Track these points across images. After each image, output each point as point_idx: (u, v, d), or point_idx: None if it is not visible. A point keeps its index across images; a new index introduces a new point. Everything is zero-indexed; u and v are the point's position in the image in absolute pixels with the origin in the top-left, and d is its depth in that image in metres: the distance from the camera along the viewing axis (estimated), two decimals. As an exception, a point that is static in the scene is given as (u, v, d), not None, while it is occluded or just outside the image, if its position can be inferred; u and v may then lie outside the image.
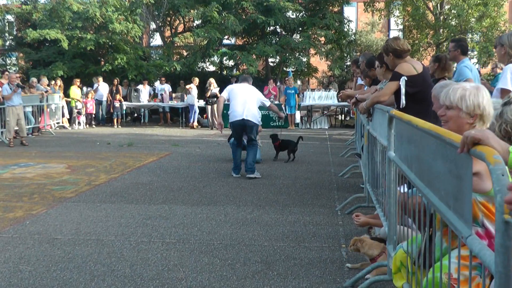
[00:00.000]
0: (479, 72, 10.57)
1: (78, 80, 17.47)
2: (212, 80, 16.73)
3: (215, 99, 16.07)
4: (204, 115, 17.60)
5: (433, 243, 2.31)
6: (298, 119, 16.81)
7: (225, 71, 23.16)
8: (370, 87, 6.19)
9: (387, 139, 3.78)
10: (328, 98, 17.13)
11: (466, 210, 1.64)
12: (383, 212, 3.90)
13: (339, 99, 16.25)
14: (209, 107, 16.38)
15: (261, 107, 8.16)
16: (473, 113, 2.36)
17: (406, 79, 4.28)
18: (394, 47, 4.47)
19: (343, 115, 18.24)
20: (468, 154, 1.62)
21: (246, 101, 7.47)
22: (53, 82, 16.97)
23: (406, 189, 2.98)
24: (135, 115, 19.55)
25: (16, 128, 11.82)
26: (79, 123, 16.95)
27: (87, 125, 17.24)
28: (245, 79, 7.92)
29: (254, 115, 7.49)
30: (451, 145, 1.78)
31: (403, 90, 4.26)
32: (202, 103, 17.42)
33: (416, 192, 3.08)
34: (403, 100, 4.27)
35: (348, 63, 22.64)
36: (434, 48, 20.69)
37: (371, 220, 4.09)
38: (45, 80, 16.13)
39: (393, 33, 25.41)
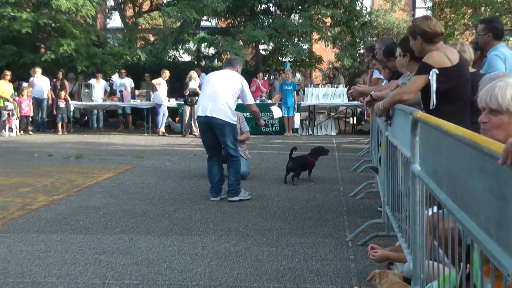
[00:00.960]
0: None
1: (9, 72, 17.20)
2: (193, 73, 16.73)
3: (196, 97, 16.05)
4: (177, 118, 17.62)
5: (471, 283, 2.31)
6: (297, 123, 16.84)
7: (203, 62, 23.21)
8: (389, 82, 6.23)
9: (410, 149, 3.80)
10: (336, 96, 17.23)
11: (513, 240, 1.63)
12: (407, 243, 3.90)
13: (350, 98, 16.40)
14: (187, 108, 16.36)
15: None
16: None
17: (437, 72, 4.28)
18: (424, 28, 4.46)
19: (355, 118, 18.34)
20: (514, 167, 1.61)
21: (216, 91, 7.18)
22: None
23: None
24: (86, 118, 19.51)
25: None
26: (10, 128, 16.77)
27: (22, 132, 17.15)
28: (229, 63, 7.66)
29: (223, 111, 7.10)
30: (492, 156, 1.77)
31: (434, 87, 4.25)
32: (173, 102, 17.44)
33: (449, 217, 3.10)
34: (433, 100, 4.26)
35: (362, 51, 22.77)
36: (473, 31, 20.86)
37: (392, 254, 4.08)
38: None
39: (420, 13, 25.48)
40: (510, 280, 1.64)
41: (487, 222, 1.88)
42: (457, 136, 2.18)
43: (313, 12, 20.47)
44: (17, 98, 16.95)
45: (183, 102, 16.93)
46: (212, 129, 7.16)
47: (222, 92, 7.18)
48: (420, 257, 3.22)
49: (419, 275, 3.22)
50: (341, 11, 20.53)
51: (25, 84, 17.91)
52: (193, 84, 16.23)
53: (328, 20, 21.11)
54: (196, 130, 16.10)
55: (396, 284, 3.61)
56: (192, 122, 16.15)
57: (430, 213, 3.12)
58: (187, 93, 16.29)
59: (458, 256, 2.42)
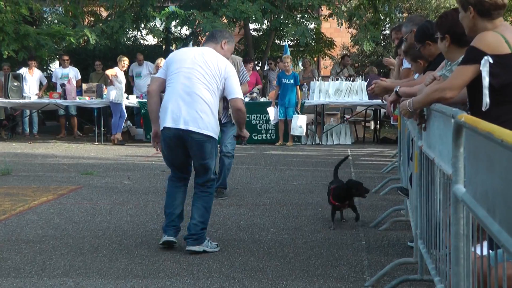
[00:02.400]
0: None
1: None
2: (161, 61, 16.70)
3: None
4: (140, 121, 17.62)
5: None
6: (299, 129, 16.76)
7: (174, 45, 23.25)
8: (423, 74, 6.26)
9: (452, 164, 3.82)
10: (353, 92, 17.25)
11: None
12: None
13: (371, 95, 16.45)
14: None
15: None
16: None
17: (491, 60, 4.19)
18: None
19: (377, 123, 18.38)
20: None
21: (191, 87, 6.52)
22: None
23: (486, 251, 3.01)
24: (15, 121, 19.48)
25: None
26: None
27: None
28: (211, 37, 7.15)
29: (203, 122, 6.50)
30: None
31: (486, 81, 4.20)
32: (134, 100, 17.45)
33: (504, 256, 3.12)
34: (486, 98, 4.18)
35: (387, 32, 22.82)
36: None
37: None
38: None
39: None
40: None
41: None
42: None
43: (322, -21, 20.52)
44: None
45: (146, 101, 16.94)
46: (185, 145, 6.58)
47: (200, 90, 6.51)
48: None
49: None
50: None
51: None
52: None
53: (344, -11, 21.19)
54: None
55: None
56: None
57: (478, 250, 3.14)
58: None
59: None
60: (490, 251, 3.15)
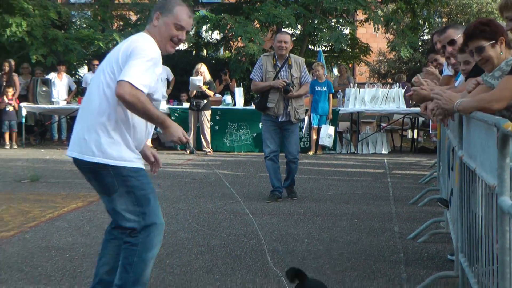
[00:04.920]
0: None
1: None
2: (201, 66, 16.76)
3: (205, 101, 16.12)
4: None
5: None
6: (327, 139, 16.65)
7: (204, 51, 23.33)
8: (465, 81, 6.23)
9: (497, 176, 3.81)
10: (390, 100, 17.22)
11: None
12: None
13: (410, 102, 16.42)
14: (191, 115, 16.47)
15: None
16: None
17: None
18: None
19: (415, 132, 18.32)
20: None
21: (87, 95, 4.83)
22: None
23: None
24: (45, 126, 19.64)
25: None
26: None
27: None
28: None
29: (85, 143, 4.63)
30: None
31: None
32: (164, 106, 17.54)
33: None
34: None
35: (426, 37, 22.68)
36: None
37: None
38: None
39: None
40: None
41: None
42: None
43: (358, -18, 20.49)
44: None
45: (180, 106, 17.10)
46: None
47: (92, 94, 4.72)
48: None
49: None
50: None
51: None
52: (197, 81, 16.15)
53: (380, -6, 21.15)
54: (206, 145, 16.20)
55: None
56: (201, 135, 16.26)
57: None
58: (193, 93, 16.32)
59: None
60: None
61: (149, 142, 16.78)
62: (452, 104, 4.98)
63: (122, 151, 4.55)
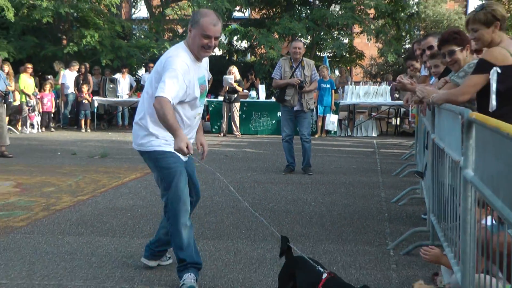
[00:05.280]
0: None
1: (30, 65, 17.28)
2: (232, 68, 16.82)
3: (235, 95, 16.17)
4: (207, 116, 17.74)
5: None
6: (331, 125, 16.72)
7: (235, 56, 23.29)
8: (437, 80, 6.17)
9: (463, 153, 3.77)
10: (378, 94, 17.19)
11: None
12: (454, 253, 3.89)
13: (396, 91, 16.33)
14: (225, 106, 16.51)
15: None
16: None
17: (499, 71, 4.15)
18: (503, 13, 4.30)
19: (398, 119, 18.24)
20: None
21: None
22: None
23: (490, 223, 2.98)
24: (112, 115, 19.76)
25: None
26: (31, 125, 17.03)
27: (43, 128, 17.42)
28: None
29: (135, 132, 4.68)
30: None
31: (493, 87, 4.13)
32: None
33: (506, 228, 3.07)
34: (493, 102, 4.13)
35: (408, 46, 22.53)
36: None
37: (445, 258, 4.06)
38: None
39: (474, 3, 25.03)
40: None
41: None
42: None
43: (355, 2, 20.37)
44: (38, 94, 17.14)
45: (216, 99, 17.14)
46: None
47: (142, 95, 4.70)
48: (470, 269, 3.21)
49: (468, 287, 3.22)
50: (386, 2, 20.35)
51: (48, 78, 18.17)
52: (229, 78, 16.25)
53: (372, 11, 20.99)
54: (236, 129, 16.23)
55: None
56: (232, 121, 16.30)
57: (485, 222, 3.11)
58: (226, 89, 16.41)
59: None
60: (494, 222, 3.12)
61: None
62: (429, 97, 4.97)
63: (152, 139, 4.45)
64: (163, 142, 4.46)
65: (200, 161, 4.60)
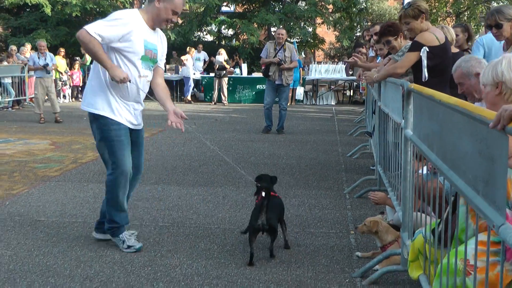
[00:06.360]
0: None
1: (63, 49, 17.13)
2: (221, 50, 16.59)
3: (224, 71, 15.98)
4: (201, 88, 17.52)
5: (456, 222, 2.24)
6: (300, 95, 16.69)
7: (223, 41, 22.94)
8: (383, 59, 6.08)
9: (401, 116, 3.71)
10: (336, 71, 17.04)
11: (499, 196, 1.57)
12: (396, 196, 3.85)
13: (350, 68, 16.25)
14: (215, 80, 16.29)
15: None
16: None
17: (427, 49, 4.19)
18: (426, 7, 4.35)
19: (351, 91, 18.14)
20: (504, 132, 1.54)
21: None
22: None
23: (425, 172, 2.92)
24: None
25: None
26: (64, 96, 16.81)
27: (73, 99, 17.12)
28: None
29: (84, 96, 3.81)
30: (482, 122, 1.70)
31: (424, 62, 4.20)
32: (198, 75, 17.32)
33: (438, 176, 3.04)
34: (425, 73, 4.22)
35: (358, 33, 22.39)
36: (454, 18, 20.43)
37: (390, 200, 4.04)
38: (25, 49, 15.83)
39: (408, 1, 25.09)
40: (495, 230, 1.59)
41: (474, 180, 1.82)
42: (450, 104, 2.10)
43: (317, -1, 20.18)
44: (69, 71, 16.98)
45: (208, 75, 16.95)
46: None
47: None
48: (409, 209, 3.18)
49: (407, 223, 3.19)
50: (341, -1, 20.21)
51: (77, 59, 17.87)
52: (220, 58, 16.07)
53: (330, 6, 20.78)
54: (224, 99, 16.07)
55: (390, 229, 3.58)
56: (221, 92, 16.12)
57: (419, 172, 3.07)
58: (216, 66, 16.21)
59: (443, 210, 2.38)
60: (428, 172, 3.08)
61: (188, 97, 16.66)
62: (372, 79, 5.13)
63: (94, 102, 3.68)
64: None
65: (192, 127, 4.28)
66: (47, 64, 11.16)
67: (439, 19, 21.01)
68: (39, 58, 11.26)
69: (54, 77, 12.80)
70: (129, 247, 3.75)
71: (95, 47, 3.49)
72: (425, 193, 2.86)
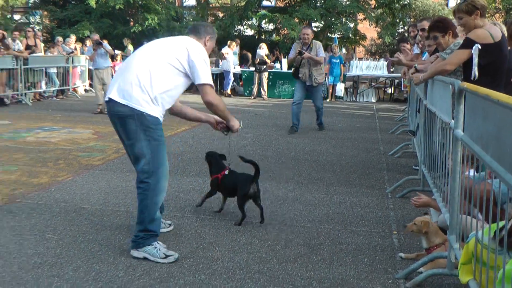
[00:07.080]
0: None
1: (106, 41, 17.41)
2: (262, 45, 16.59)
3: (264, 66, 15.96)
4: (240, 83, 17.55)
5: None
6: (340, 92, 16.49)
7: (263, 36, 22.94)
8: (429, 57, 5.96)
9: (450, 116, 3.61)
10: (377, 68, 16.80)
11: None
12: (442, 197, 3.77)
13: (392, 65, 15.97)
14: (255, 74, 16.30)
15: None
16: None
17: (480, 47, 4.05)
18: (482, 3, 4.17)
19: (393, 88, 17.86)
20: None
21: (132, 60, 3.64)
22: (80, 43, 17.10)
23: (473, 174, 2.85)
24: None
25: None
26: (106, 86, 17.12)
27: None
28: (194, 30, 3.86)
29: (128, 92, 3.48)
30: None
31: (475, 61, 4.05)
32: (238, 69, 17.35)
33: (485, 178, 2.95)
34: (475, 72, 4.07)
35: (401, 30, 22.04)
36: (503, 14, 19.85)
37: (433, 202, 3.95)
38: (71, 40, 16.18)
39: (453, -2, 24.47)
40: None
41: (536, 183, 1.75)
42: (509, 104, 2.03)
43: (360, -6, 19.91)
44: (111, 63, 17.17)
45: (246, 69, 16.91)
46: (114, 122, 3.66)
47: (142, 60, 3.59)
48: (456, 210, 3.10)
49: (455, 226, 3.11)
50: (384, -6, 19.90)
51: (117, 52, 18.11)
52: (261, 52, 16.06)
53: (373, 2, 20.52)
54: (264, 93, 16.05)
55: (439, 231, 3.50)
56: (261, 87, 16.11)
57: (467, 173, 2.99)
58: (257, 61, 16.20)
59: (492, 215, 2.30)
60: (476, 174, 3.00)
61: (228, 91, 16.72)
62: (418, 80, 4.98)
63: (146, 105, 3.55)
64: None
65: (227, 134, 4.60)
66: (116, 54, 11.47)
67: (487, 15, 20.47)
68: (94, 50, 11.48)
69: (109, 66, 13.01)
70: (166, 256, 3.48)
71: (223, 104, 4.07)
72: (471, 195, 2.78)
